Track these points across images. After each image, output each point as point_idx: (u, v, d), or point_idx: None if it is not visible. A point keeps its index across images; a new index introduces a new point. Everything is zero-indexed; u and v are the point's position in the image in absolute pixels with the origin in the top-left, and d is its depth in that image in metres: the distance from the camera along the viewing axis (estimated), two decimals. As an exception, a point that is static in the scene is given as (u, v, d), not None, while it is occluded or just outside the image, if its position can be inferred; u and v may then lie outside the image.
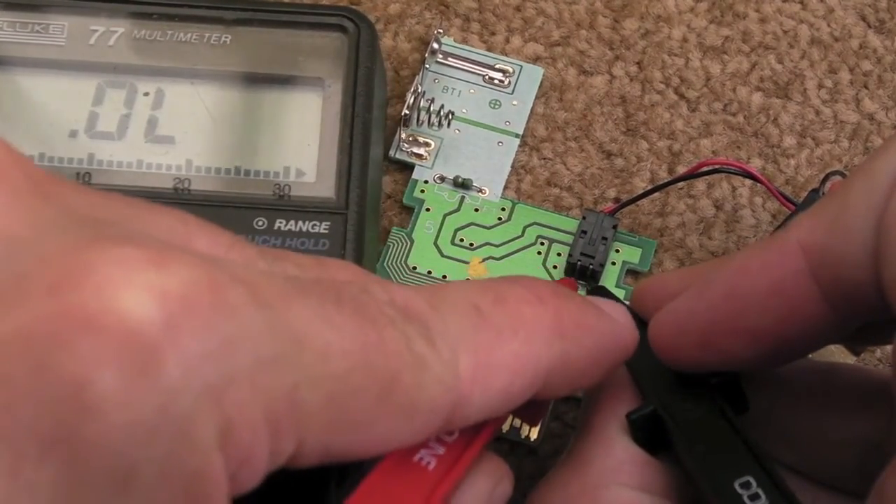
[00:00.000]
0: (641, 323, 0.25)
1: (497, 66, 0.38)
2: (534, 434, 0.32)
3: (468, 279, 0.34)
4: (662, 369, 0.25)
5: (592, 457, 0.24)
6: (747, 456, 0.23)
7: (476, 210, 0.36)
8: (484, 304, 0.22)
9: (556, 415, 0.33)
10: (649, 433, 0.24)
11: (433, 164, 0.36)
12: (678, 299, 0.24)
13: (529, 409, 0.23)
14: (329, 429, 0.19)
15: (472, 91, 0.37)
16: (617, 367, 0.24)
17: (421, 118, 0.36)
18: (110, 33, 0.34)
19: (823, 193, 0.34)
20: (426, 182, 0.36)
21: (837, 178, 0.35)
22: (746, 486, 0.22)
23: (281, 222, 0.32)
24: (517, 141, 0.37)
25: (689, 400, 0.25)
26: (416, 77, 0.36)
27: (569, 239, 0.35)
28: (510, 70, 0.38)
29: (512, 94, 0.37)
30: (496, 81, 0.38)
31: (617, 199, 0.36)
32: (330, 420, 0.19)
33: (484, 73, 0.38)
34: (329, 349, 0.19)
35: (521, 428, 0.32)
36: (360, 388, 0.19)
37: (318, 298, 0.19)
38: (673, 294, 0.25)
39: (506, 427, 0.32)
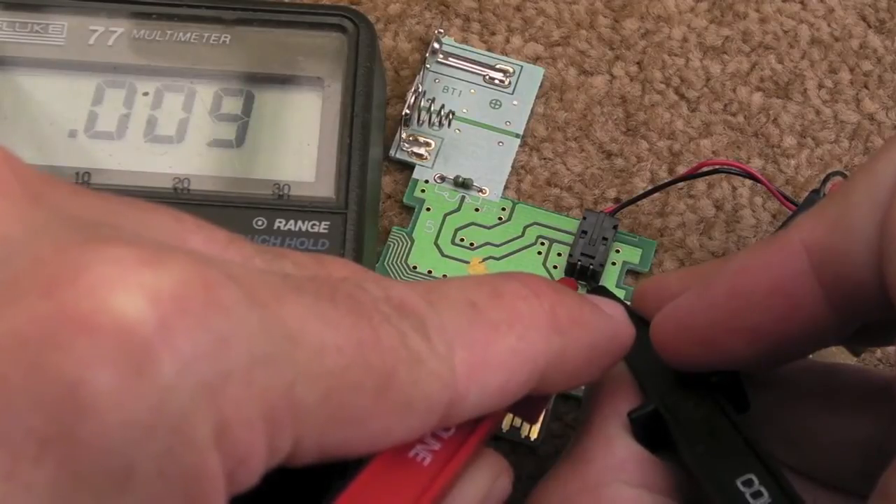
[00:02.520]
0: (643, 322, 0.25)
1: (497, 66, 0.38)
2: (534, 434, 0.32)
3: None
4: (664, 368, 0.25)
5: (593, 455, 0.24)
6: (749, 454, 0.23)
7: (476, 210, 0.36)
8: (480, 299, 0.22)
9: (556, 415, 0.33)
10: (650, 431, 0.24)
11: (433, 164, 0.36)
12: (680, 298, 0.24)
13: (527, 406, 0.23)
14: (326, 426, 0.19)
15: (472, 91, 0.37)
16: (613, 365, 0.24)
17: (421, 118, 0.36)
18: (110, 33, 0.34)
19: (824, 194, 0.34)
20: (426, 182, 0.36)
21: (838, 178, 0.34)
22: (748, 483, 0.22)
23: (280, 222, 0.32)
24: (517, 141, 0.37)
25: (690, 398, 0.25)
26: (417, 77, 0.36)
27: (569, 239, 0.35)
28: (510, 70, 0.38)
29: (512, 94, 0.37)
30: (496, 81, 0.37)
31: (617, 200, 0.36)
32: (326, 417, 0.19)
33: (484, 73, 0.38)
34: (324, 346, 0.19)
35: (521, 428, 0.32)
36: (356, 384, 0.19)
37: (313, 296, 0.19)
38: (674, 294, 0.25)
39: (506, 427, 0.32)
